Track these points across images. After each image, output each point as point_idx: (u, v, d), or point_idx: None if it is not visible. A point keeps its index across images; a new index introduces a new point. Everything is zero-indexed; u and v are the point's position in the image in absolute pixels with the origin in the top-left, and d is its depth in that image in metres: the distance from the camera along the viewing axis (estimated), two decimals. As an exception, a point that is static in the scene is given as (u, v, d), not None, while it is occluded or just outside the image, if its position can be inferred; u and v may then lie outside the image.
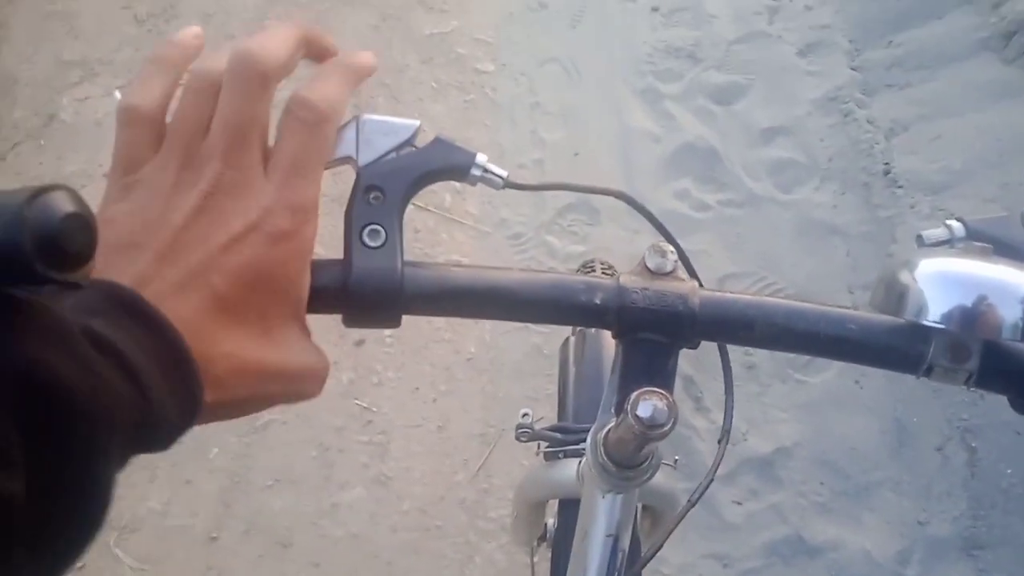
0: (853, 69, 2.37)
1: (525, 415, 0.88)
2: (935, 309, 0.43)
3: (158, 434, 0.30)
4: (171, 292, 0.33)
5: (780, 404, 1.83)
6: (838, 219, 2.09)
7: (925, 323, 0.43)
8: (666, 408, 0.39)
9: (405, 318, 0.42)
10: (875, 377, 1.82)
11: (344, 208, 0.41)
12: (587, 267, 1.41)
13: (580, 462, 0.70)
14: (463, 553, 1.66)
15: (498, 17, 2.52)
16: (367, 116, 0.42)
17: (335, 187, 1.09)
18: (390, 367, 1.87)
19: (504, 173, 0.45)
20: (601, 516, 0.52)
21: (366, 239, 0.41)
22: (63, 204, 0.24)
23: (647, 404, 0.39)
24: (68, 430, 0.25)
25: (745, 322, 0.44)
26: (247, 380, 0.35)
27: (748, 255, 2.04)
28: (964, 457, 1.74)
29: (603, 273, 1.18)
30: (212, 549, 1.66)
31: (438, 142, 0.44)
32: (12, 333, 0.24)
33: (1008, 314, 0.42)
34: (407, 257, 0.41)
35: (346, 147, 0.42)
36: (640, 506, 0.95)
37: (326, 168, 0.40)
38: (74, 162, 2.22)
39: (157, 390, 0.29)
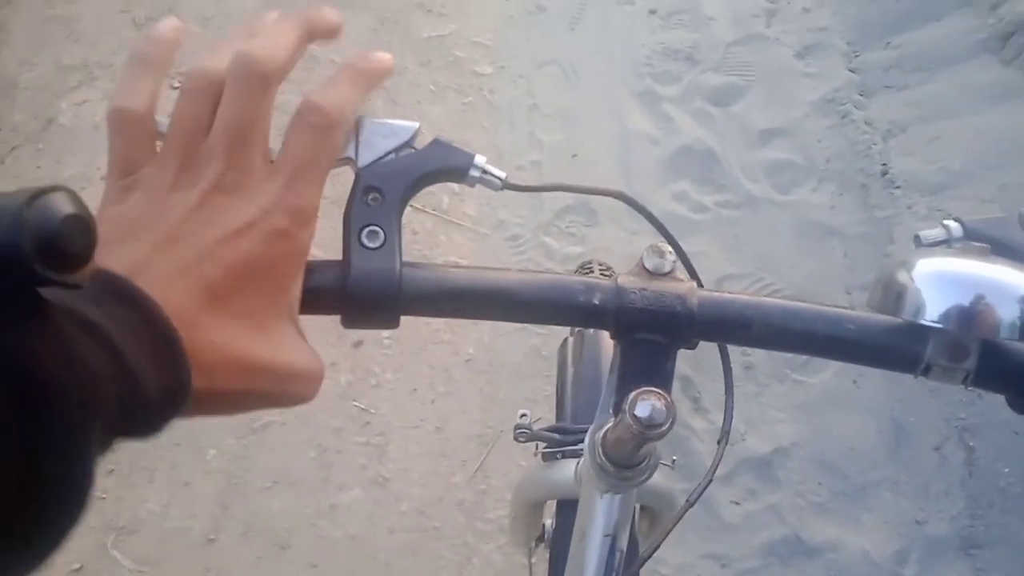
0: (851, 71, 2.37)
1: (523, 416, 0.88)
2: (933, 309, 0.43)
3: (145, 417, 0.30)
4: (163, 280, 0.33)
5: (778, 404, 1.83)
6: (836, 220, 2.10)
7: (923, 323, 0.43)
8: (664, 408, 0.39)
9: (404, 319, 0.42)
10: (873, 377, 1.82)
11: (343, 210, 0.42)
12: (585, 268, 1.41)
13: (578, 463, 0.70)
14: (461, 554, 1.66)
15: (496, 20, 2.52)
16: (367, 118, 0.43)
17: (333, 189, 1.09)
18: (388, 368, 1.87)
19: (502, 174, 0.45)
20: (599, 516, 0.52)
21: (365, 240, 0.41)
22: (63, 205, 0.24)
23: (645, 404, 0.39)
24: (49, 411, 0.25)
25: (743, 322, 0.44)
26: (237, 372, 0.35)
27: (746, 256, 2.05)
28: (962, 456, 1.75)
29: (601, 274, 1.18)
30: (210, 551, 1.66)
31: (437, 143, 0.44)
32: None
33: (1006, 313, 0.42)
34: (405, 258, 0.41)
35: (346, 148, 0.42)
36: (638, 507, 0.95)
37: None
38: (72, 166, 2.22)
39: (142, 371, 0.28)
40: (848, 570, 1.65)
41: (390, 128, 0.43)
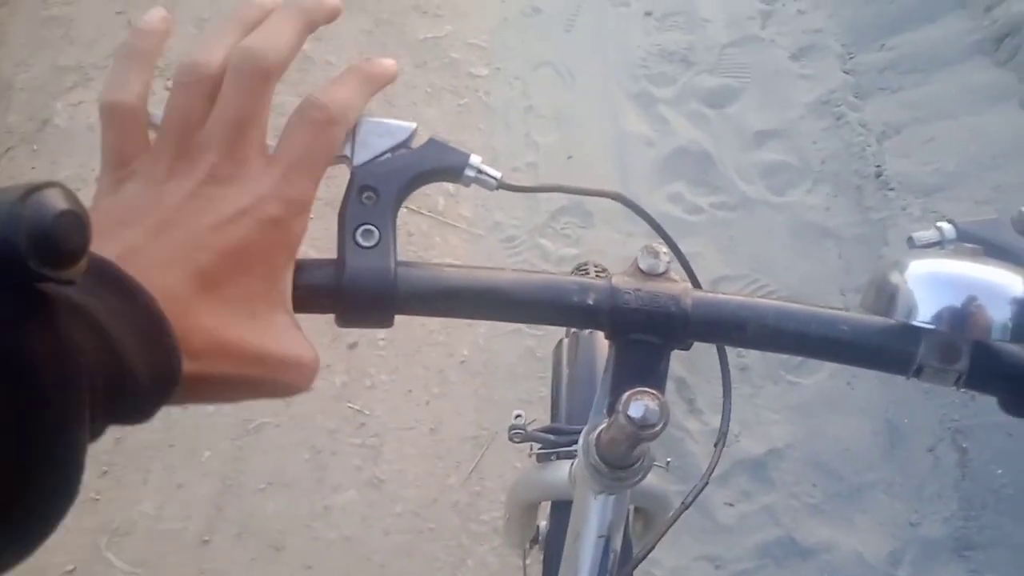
0: (846, 72, 2.38)
1: (518, 417, 0.88)
2: (925, 310, 0.43)
3: (135, 402, 0.29)
4: (155, 265, 0.33)
5: (772, 405, 1.83)
6: (830, 222, 2.10)
7: (915, 324, 0.43)
8: (658, 408, 0.39)
9: (398, 321, 0.42)
10: (867, 378, 1.83)
11: (336, 211, 0.42)
12: (581, 270, 1.42)
13: (572, 463, 0.70)
14: (455, 556, 1.66)
15: (492, 22, 2.52)
16: (364, 117, 0.43)
17: (328, 191, 1.09)
18: (383, 370, 1.87)
19: (498, 174, 0.45)
20: (593, 517, 0.52)
21: (359, 239, 0.41)
22: (57, 201, 0.24)
23: (639, 404, 0.39)
24: (38, 395, 0.24)
25: (737, 323, 0.45)
26: (227, 358, 0.35)
27: (741, 258, 2.05)
28: (955, 458, 1.75)
29: (596, 275, 1.18)
30: (204, 552, 1.66)
31: (432, 143, 0.44)
32: None
33: (998, 315, 0.42)
34: (400, 258, 0.41)
35: (342, 147, 0.42)
36: (632, 508, 0.96)
37: None
38: (68, 167, 2.21)
39: (131, 355, 0.28)
40: (842, 571, 1.65)
41: (387, 128, 0.43)
